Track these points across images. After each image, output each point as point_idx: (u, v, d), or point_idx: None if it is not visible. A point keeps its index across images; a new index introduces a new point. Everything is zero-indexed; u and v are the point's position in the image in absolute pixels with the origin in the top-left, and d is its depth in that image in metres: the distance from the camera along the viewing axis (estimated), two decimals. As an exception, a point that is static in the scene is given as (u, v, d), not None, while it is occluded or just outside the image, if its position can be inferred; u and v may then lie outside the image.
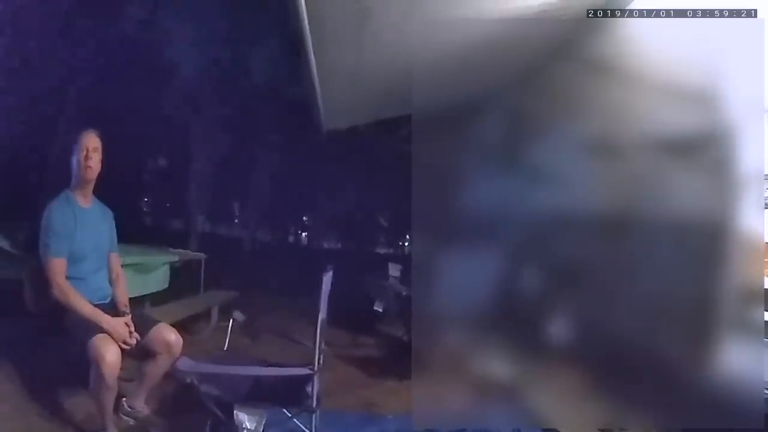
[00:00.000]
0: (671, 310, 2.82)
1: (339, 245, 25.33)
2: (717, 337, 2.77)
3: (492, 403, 3.15)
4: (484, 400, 3.13)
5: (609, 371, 2.88)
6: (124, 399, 3.49)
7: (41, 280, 3.28)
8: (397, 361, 5.98)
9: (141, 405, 3.54)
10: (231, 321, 3.68)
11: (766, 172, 2.72)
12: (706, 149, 2.83)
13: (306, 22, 2.84)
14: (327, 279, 3.09)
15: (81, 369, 3.12)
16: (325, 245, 26.35)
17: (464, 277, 3.14)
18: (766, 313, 2.74)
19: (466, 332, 3.15)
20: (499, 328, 3.08)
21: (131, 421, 3.48)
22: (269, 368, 3.24)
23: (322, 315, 2.96)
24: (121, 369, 3.06)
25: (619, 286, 2.90)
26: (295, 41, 3.11)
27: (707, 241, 2.79)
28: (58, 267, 3.22)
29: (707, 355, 2.78)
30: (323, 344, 3.05)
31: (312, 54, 3.24)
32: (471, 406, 3.13)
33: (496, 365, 3.10)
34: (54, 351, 3.67)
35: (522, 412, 3.13)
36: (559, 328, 3.05)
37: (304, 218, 26.62)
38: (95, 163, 3.39)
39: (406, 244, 23.76)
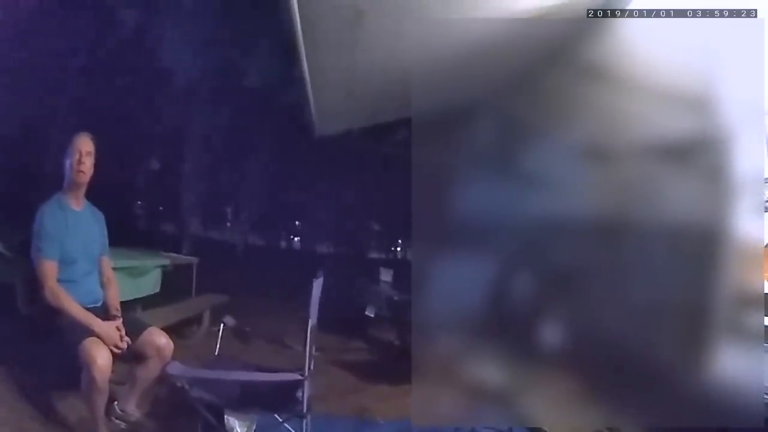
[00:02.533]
0: (667, 314, 2.82)
1: (331, 250, 25.27)
2: (714, 341, 2.77)
3: (485, 406, 3.15)
4: (478, 403, 3.14)
5: (604, 376, 2.88)
6: (115, 402, 3.47)
7: (33, 282, 3.27)
8: (389, 365, 5.98)
9: (132, 408, 3.51)
10: (222, 325, 3.66)
11: (765, 176, 2.72)
12: (702, 153, 2.82)
13: (299, 25, 2.84)
14: (317, 284, 3.08)
15: (72, 372, 3.11)
16: (317, 250, 26.30)
17: (458, 282, 3.14)
18: (766, 318, 2.73)
19: (459, 336, 3.16)
20: (492, 332, 3.09)
21: (122, 425, 3.46)
22: (260, 373, 3.24)
23: (312, 320, 2.96)
24: (112, 372, 3.05)
25: (615, 291, 2.90)
26: (287, 45, 3.11)
27: (704, 245, 2.79)
28: (49, 270, 3.20)
29: (704, 359, 2.78)
30: (314, 349, 3.05)
31: (304, 58, 3.24)
32: (465, 409, 3.14)
33: (490, 369, 3.10)
34: (45, 354, 3.64)
35: (515, 415, 3.15)
36: (554, 333, 3.04)
37: (297, 223, 26.59)
38: (88, 167, 3.38)
39: (398, 248, 23.78)
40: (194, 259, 7.34)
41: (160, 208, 20.48)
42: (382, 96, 3.84)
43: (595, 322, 2.97)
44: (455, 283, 3.16)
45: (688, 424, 2.71)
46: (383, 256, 23.80)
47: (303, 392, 2.90)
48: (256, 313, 7.43)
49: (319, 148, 12.74)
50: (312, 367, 2.97)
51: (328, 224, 22.93)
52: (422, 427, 3.49)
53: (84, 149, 3.36)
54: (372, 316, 7.20)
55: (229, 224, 23.77)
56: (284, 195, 19.08)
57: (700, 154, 2.83)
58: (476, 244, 3.12)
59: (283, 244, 27.48)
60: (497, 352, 3.10)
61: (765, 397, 2.78)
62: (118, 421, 3.46)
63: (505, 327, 3.08)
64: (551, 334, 3.05)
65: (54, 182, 3.53)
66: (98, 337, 3.09)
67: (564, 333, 3.04)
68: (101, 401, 3.10)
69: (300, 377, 2.86)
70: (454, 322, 3.16)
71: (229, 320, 3.65)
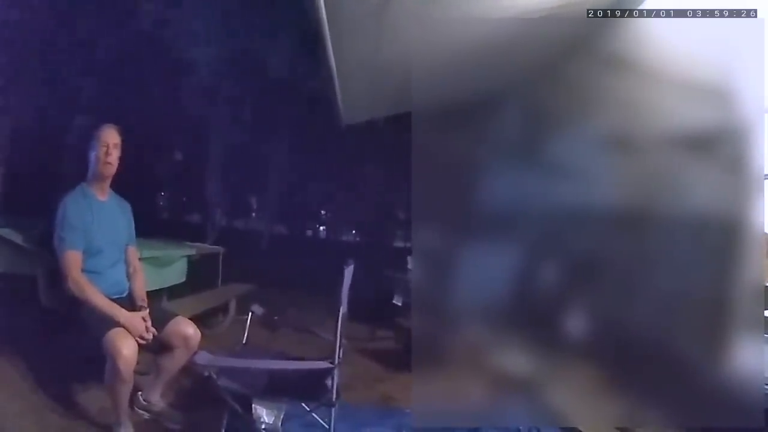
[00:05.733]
0: (687, 306, 2.82)
1: (357, 239, 25.29)
2: (730, 333, 2.77)
3: (509, 400, 3.14)
4: (501, 397, 3.12)
5: (625, 368, 2.86)
6: (139, 393, 3.47)
7: (56, 274, 3.26)
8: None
9: (157, 399, 3.52)
10: (250, 314, 3.62)
11: (766, 172, 2.71)
12: (719, 145, 2.82)
13: (324, 15, 2.82)
14: (348, 272, 3.05)
15: (95, 363, 3.09)
16: (343, 239, 26.34)
17: (478, 273, 3.13)
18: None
19: (480, 328, 3.15)
20: (514, 324, 3.07)
21: (146, 415, 3.46)
22: (289, 362, 3.21)
23: (343, 309, 2.92)
24: (137, 363, 3.02)
25: (634, 282, 2.90)
26: (313, 35, 3.09)
27: (722, 237, 2.78)
28: (73, 260, 3.18)
29: (721, 351, 2.78)
30: (343, 338, 3.01)
31: (330, 47, 3.22)
32: (488, 403, 3.12)
33: (512, 362, 3.08)
34: (68, 345, 3.63)
35: (539, 409, 3.12)
36: (572, 325, 3.03)
37: (322, 212, 26.65)
38: (114, 159, 3.36)
39: (425, 237, 23.68)
40: (220, 249, 7.33)
41: (185, 198, 20.64)
42: (407, 85, 3.81)
43: (613, 314, 2.96)
44: (471, 273, 3.14)
45: (700, 419, 2.76)
46: (410, 245, 23.74)
47: (333, 381, 2.86)
48: (282, 303, 7.40)
49: (345, 138, 12.67)
50: (341, 356, 2.94)
51: (354, 213, 22.95)
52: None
53: (111, 141, 3.34)
54: (399, 304, 7.14)
55: (254, 214, 23.91)
56: (310, 184, 19.11)
57: (717, 146, 2.82)
58: (495, 233, 3.11)
59: (309, 233, 27.55)
60: (518, 346, 3.08)
61: (766, 388, 2.81)
62: (141, 412, 3.47)
63: (525, 319, 3.05)
64: (569, 326, 3.02)
65: (74, 174, 3.51)
66: (123, 327, 3.06)
67: (585, 325, 3.03)
68: (126, 392, 3.08)
69: (330, 365, 2.83)
70: (472, 314, 3.15)
71: (257, 309, 3.61)
